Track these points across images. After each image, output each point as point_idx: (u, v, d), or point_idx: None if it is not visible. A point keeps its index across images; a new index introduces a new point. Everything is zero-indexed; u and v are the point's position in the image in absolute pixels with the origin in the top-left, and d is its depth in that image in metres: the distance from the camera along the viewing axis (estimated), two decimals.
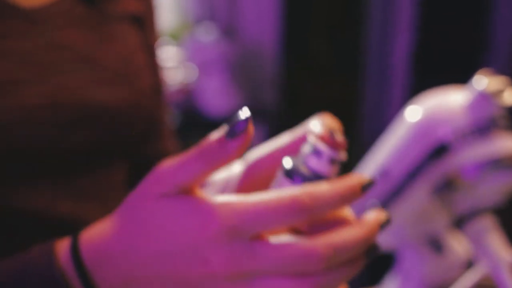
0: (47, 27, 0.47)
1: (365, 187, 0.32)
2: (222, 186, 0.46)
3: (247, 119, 0.31)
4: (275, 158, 0.39)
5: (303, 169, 0.33)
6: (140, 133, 0.55)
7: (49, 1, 0.48)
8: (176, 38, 2.02)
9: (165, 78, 0.64)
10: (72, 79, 0.46)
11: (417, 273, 0.76)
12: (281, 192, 0.30)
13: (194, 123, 1.73)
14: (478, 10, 2.46)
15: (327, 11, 2.63)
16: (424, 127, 0.66)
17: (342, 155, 0.34)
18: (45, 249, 0.35)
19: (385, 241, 0.80)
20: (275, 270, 0.29)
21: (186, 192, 0.32)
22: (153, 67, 0.58)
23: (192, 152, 0.32)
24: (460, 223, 0.64)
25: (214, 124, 1.92)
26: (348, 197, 0.31)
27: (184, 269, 0.31)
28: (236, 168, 0.43)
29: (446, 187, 0.63)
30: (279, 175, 0.35)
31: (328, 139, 0.33)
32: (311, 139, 0.34)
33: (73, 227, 0.46)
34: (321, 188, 0.31)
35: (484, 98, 0.60)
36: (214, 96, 1.77)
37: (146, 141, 0.59)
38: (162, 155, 0.62)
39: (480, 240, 0.61)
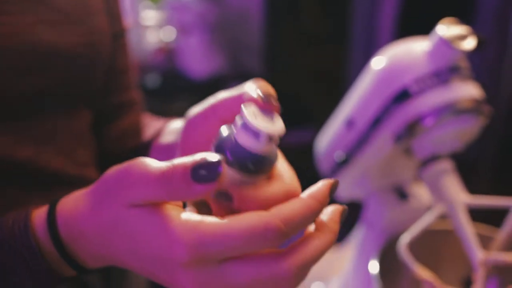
0: None
1: (333, 190, 0.32)
2: (176, 140, 0.48)
3: (218, 165, 0.29)
4: (206, 115, 0.39)
5: (234, 148, 0.31)
6: (100, 79, 0.55)
7: None
8: (155, 0, 2.00)
9: (128, 28, 0.63)
10: (19, 20, 0.45)
11: (381, 221, 0.77)
12: (252, 218, 0.29)
13: (175, 84, 1.72)
14: None
15: None
16: (387, 74, 0.66)
17: (277, 129, 0.31)
18: (20, 223, 0.35)
19: (351, 191, 0.82)
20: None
21: (155, 205, 0.31)
22: (112, 14, 0.57)
23: (157, 175, 0.30)
24: (420, 168, 0.66)
25: (194, 86, 1.91)
26: (319, 209, 0.31)
27: (154, 272, 0.31)
28: (179, 124, 0.44)
29: (407, 133, 0.64)
30: (212, 146, 0.33)
31: (262, 104, 0.32)
32: (246, 111, 0.31)
33: (34, 172, 0.48)
34: (293, 207, 0.30)
35: (444, 43, 0.60)
36: (195, 57, 1.76)
37: (108, 89, 0.58)
38: (127, 105, 0.63)
39: (437, 182, 0.62)
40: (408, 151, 0.70)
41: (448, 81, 0.62)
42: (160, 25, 1.85)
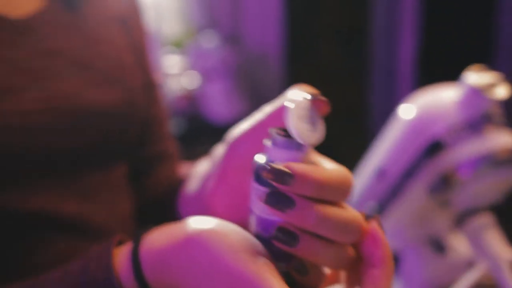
0: (35, 35, 0.48)
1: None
2: (208, 170, 0.46)
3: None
4: (256, 132, 0.38)
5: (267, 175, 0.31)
6: (136, 132, 0.56)
7: (35, 11, 0.49)
8: (179, 46, 2.03)
9: (159, 79, 0.64)
10: (65, 83, 0.47)
11: (419, 275, 0.74)
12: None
13: (199, 130, 1.73)
14: (482, 13, 2.43)
15: (332, 17, 2.63)
16: (418, 124, 0.65)
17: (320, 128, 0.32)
18: (103, 267, 0.35)
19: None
20: None
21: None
22: (143, 67, 0.58)
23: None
24: (459, 222, 0.63)
25: (219, 131, 1.92)
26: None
27: None
28: (219, 150, 0.42)
29: (443, 185, 0.62)
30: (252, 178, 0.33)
31: (311, 102, 0.32)
32: (273, 133, 0.32)
33: (80, 227, 0.49)
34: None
35: (475, 93, 0.58)
36: (218, 102, 1.77)
37: (143, 141, 0.59)
38: (162, 156, 0.63)
39: (479, 238, 0.59)
40: (444, 203, 0.67)
41: (482, 130, 0.60)
42: (183, 72, 1.88)
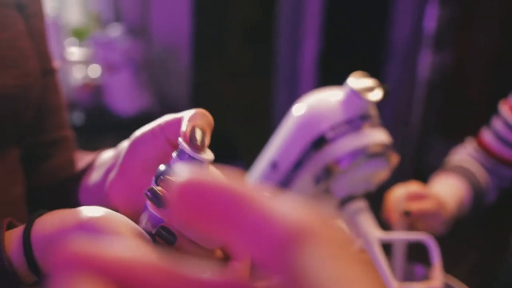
0: None
1: None
2: (111, 163, 0.49)
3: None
4: (155, 135, 0.42)
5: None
6: (31, 117, 0.56)
7: None
8: (82, 36, 1.98)
9: (58, 67, 0.65)
10: None
11: None
12: None
13: (101, 121, 1.71)
14: (377, 18, 2.65)
15: (240, 14, 2.70)
16: (306, 121, 0.72)
17: (205, 156, 0.37)
18: None
19: None
20: None
21: None
22: (41, 53, 0.59)
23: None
24: (339, 207, 0.71)
25: (121, 123, 1.89)
26: None
27: None
28: (124, 144, 0.47)
29: (325, 175, 0.70)
30: (152, 180, 0.38)
31: (187, 139, 0.37)
32: (179, 142, 0.37)
33: None
34: None
35: (355, 95, 0.67)
36: (122, 95, 1.76)
37: (39, 127, 0.60)
38: (59, 143, 0.64)
39: (355, 220, 0.68)
40: (327, 191, 0.75)
41: (360, 128, 0.69)
42: (86, 62, 1.84)
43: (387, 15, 2.59)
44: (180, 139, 0.38)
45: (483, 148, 1.04)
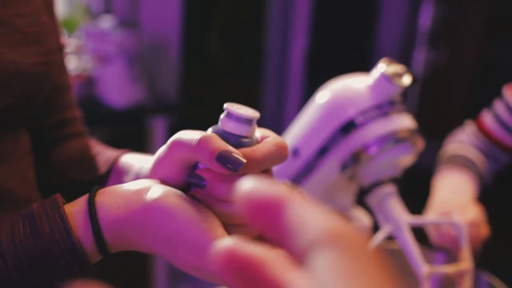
0: None
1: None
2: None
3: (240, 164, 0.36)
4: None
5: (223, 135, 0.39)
6: (48, 96, 0.55)
7: None
8: (71, 27, 1.94)
9: (66, 45, 0.63)
10: None
11: None
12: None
13: (93, 113, 1.67)
14: (366, 18, 2.68)
15: (230, 10, 2.69)
16: (333, 107, 0.72)
17: (251, 114, 0.39)
18: (60, 228, 0.36)
19: None
20: None
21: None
22: (56, 30, 0.57)
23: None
24: (367, 193, 0.71)
25: (113, 115, 1.85)
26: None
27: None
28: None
29: (353, 161, 0.70)
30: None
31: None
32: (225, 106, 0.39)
33: None
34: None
35: (386, 79, 0.67)
36: (114, 86, 1.72)
37: (52, 106, 0.58)
38: (70, 122, 0.62)
39: (383, 205, 0.68)
40: (352, 179, 0.75)
41: (389, 114, 0.69)
42: (77, 53, 1.80)
43: (377, 13, 2.62)
44: (225, 104, 0.39)
45: (483, 132, 1.05)
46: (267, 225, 0.19)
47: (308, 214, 0.19)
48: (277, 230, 0.19)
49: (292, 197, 0.19)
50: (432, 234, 0.83)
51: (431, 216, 0.67)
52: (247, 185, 0.20)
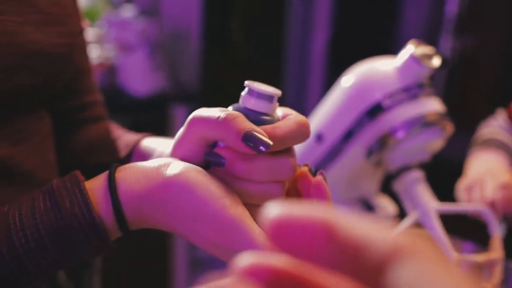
0: None
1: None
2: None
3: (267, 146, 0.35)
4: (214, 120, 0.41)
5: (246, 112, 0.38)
6: (71, 78, 0.54)
7: None
8: (93, 17, 1.94)
9: (85, 27, 0.63)
10: (8, 21, 0.45)
11: None
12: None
13: (115, 101, 1.68)
14: (389, 6, 2.63)
15: (248, 1, 2.67)
16: (359, 90, 0.70)
17: (273, 91, 0.38)
18: (80, 203, 0.36)
19: None
20: None
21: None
22: (77, 13, 0.57)
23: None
24: (393, 178, 0.69)
25: (135, 103, 1.86)
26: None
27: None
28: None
29: (379, 146, 0.68)
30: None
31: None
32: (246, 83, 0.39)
33: (8, 171, 0.47)
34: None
35: (415, 61, 0.65)
36: (136, 75, 1.73)
37: (75, 89, 0.58)
38: (91, 105, 0.61)
39: (411, 191, 0.66)
40: (378, 164, 0.73)
41: (417, 97, 0.67)
42: (99, 42, 1.80)
43: (400, 1, 2.57)
44: (246, 82, 0.38)
45: None
46: (311, 252, 0.17)
47: (365, 231, 0.17)
48: (328, 255, 0.17)
49: (335, 216, 0.17)
50: (463, 197, 0.83)
51: (462, 202, 0.65)
52: (277, 211, 0.17)
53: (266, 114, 0.38)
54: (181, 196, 0.35)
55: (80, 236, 0.35)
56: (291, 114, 0.39)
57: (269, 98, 0.38)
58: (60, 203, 0.35)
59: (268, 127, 0.37)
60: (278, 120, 0.39)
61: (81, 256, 0.36)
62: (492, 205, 0.77)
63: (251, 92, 0.38)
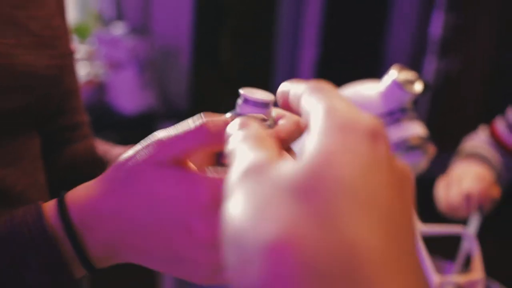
0: None
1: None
2: None
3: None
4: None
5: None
6: (59, 100, 0.55)
7: None
8: (83, 34, 1.96)
9: (74, 49, 0.64)
10: (0, 44, 0.45)
11: None
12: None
13: (104, 119, 1.68)
14: (375, 27, 2.68)
15: (237, 19, 2.70)
16: None
17: (267, 98, 0.39)
18: (32, 212, 0.35)
19: None
20: None
21: (179, 164, 0.33)
22: (67, 34, 0.58)
23: (193, 127, 0.33)
24: None
25: (124, 121, 1.87)
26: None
27: (168, 237, 0.32)
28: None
29: None
30: None
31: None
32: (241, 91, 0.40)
33: (1, 192, 0.47)
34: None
35: (397, 86, 0.67)
36: (125, 92, 1.74)
37: (62, 110, 0.59)
38: (80, 126, 0.62)
39: None
40: None
41: (400, 121, 0.69)
42: (89, 59, 1.82)
43: (387, 21, 2.62)
44: (240, 90, 0.39)
45: (495, 138, 1.05)
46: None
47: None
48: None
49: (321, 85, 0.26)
50: (441, 202, 0.87)
51: (440, 227, 0.67)
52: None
53: (264, 120, 0.40)
54: (129, 204, 0.33)
55: (30, 244, 0.33)
56: (285, 115, 0.41)
57: (265, 105, 0.40)
58: (14, 215, 0.35)
59: (271, 131, 0.38)
60: (275, 122, 0.41)
61: (32, 269, 0.33)
62: (468, 197, 0.80)
63: (246, 101, 0.40)
